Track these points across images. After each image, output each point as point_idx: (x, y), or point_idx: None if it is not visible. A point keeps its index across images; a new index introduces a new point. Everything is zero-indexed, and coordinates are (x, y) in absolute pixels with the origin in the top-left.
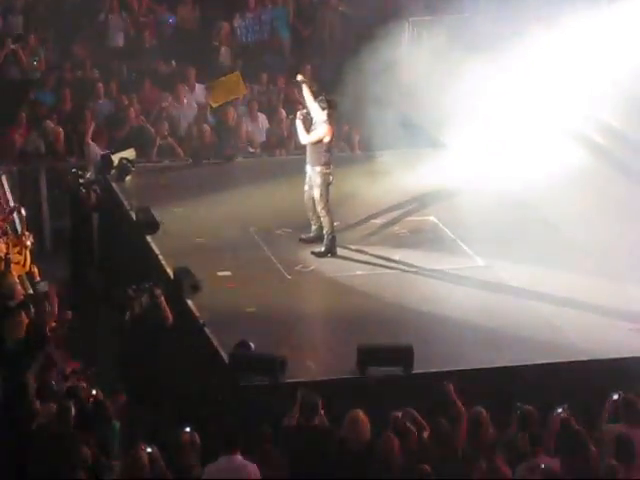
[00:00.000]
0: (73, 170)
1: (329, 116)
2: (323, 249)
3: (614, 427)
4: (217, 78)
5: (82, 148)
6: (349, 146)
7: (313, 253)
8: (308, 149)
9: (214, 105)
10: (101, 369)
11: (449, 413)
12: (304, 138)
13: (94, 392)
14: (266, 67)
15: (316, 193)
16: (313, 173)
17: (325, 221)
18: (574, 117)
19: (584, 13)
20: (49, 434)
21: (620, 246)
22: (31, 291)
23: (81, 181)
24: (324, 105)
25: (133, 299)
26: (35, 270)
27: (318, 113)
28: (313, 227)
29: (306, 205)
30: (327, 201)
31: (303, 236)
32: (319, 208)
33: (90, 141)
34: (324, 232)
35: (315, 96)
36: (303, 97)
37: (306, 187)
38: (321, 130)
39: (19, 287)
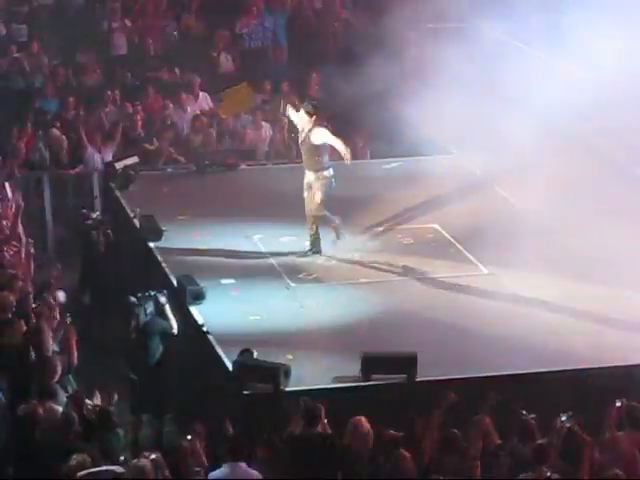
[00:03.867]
0: (83, 210)
1: (317, 119)
2: (309, 247)
3: (618, 435)
4: (226, 89)
5: (82, 156)
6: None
7: (299, 255)
8: (305, 155)
9: (224, 116)
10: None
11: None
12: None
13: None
14: (268, 75)
15: (318, 197)
16: (315, 178)
17: (314, 220)
18: (575, 122)
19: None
20: (51, 441)
21: (623, 253)
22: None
23: (89, 222)
24: (312, 111)
25: (138, 307)
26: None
27: (306, 122)
28: (309, 238)
29: (307, 213)
30: (324, 206)
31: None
32: (315, 210)
33: (90, 149)
34: (310, 231)
35: (298, 108)
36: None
37: (305, 194)
38: (327, 134)
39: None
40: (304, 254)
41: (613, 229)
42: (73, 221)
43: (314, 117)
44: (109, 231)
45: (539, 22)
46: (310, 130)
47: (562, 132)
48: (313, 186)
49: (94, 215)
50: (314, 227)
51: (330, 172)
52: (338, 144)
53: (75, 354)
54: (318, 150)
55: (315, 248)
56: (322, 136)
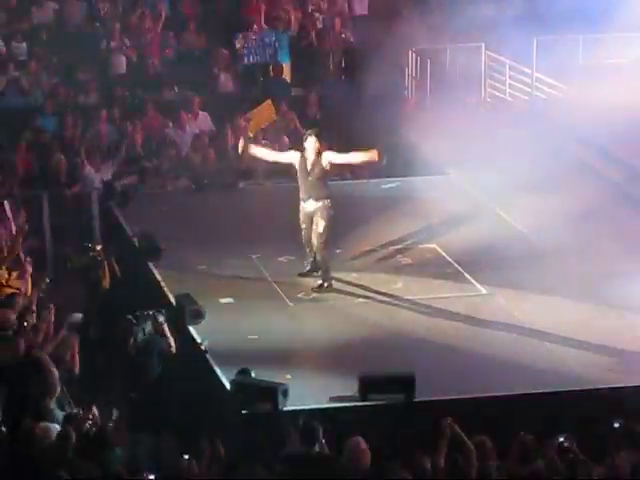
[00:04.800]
0: (85, 244)
1: (322, 145)
2: (320, 281)
3: (619, 455)
4: (252, 109)
5: (80, 175)
6: (352, 174)
7: (314, 290)
8: (313, 184)
9: (251, 134)
10: (104, 396)
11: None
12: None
13: (91, 416)
14: (269, 93)
15: (321, 226)
16: (319, 207)
17: (324, 254)
18: (580, 146)
19: None
20: (48, 459)
21: (623, 276)
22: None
23: (93, 255)
24: (320, 134)
25: (136, 326)
26: (34, 298)
27: (314, 148)
28: (310, 259)
29: (306, 244)
30: (327, 236)
31: (305, 270)
32: (319, 240)
33: (88, 168)
34: (320, 264)
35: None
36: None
37: (304, 225)
38: (336, 155)
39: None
40: (319, 287)
41: (615, 253)
42: (73, 245)
43: (321, 140)
44: (114, 263)
45: (538, 43)
46: (319, 155)
47: (563, 154)
48: (315, 215)
49: (98, 247)
50: (321, 256)
51: (330, 202)
52: (353, 156)
53: (77, 362)
54: (328, 176)
55: (329, 279)
56: (333, 158)
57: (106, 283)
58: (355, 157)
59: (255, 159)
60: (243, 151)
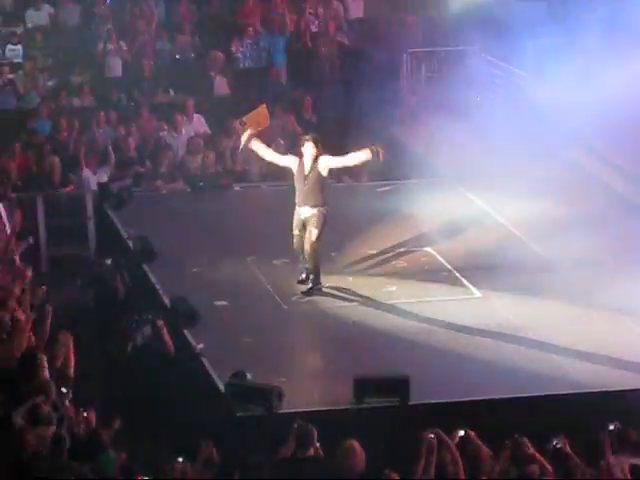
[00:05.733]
0: (93, 259)
1: (319, 151)
2: (310, 285)
3: (613, 458)
4: (247, 113)
5: (77, 177)
6: (349, 176)
7: (303, 293)
8: (310, 190)
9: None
10: (98, 398)
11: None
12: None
13: (85, 414)
14: (264, 97)
15: (314, 234)
16: (313, 214)
17: (315, 260)
18: (578, 150)
19: None
20: (42, 463)
21: (617, 280)
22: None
23: (103, 270)
24: (318, 139)
25: (135, 330)
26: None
27: (312, 153)
28: (304, 266)
29: (297, 252)
30: (320, 244)
31: (301, 278)
32: (310, 247)
33: (85, 170)
34: (311, 270)
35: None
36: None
37: (296, 231)
38: (333, 159)
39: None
40: (308, 291)
41: (614, 260)
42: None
43: (319, 146)
44: (125, 274)
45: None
46: (316, 161)
47: (564, 160)
48: (309, 223)
49: (107, 262)
50: (312, 263)
51: (327, 209)
52: (351, 158)
53: (72, 365)
54: (325, 183)
55: (318, 284)
56: (330, 162)
57: (121, 294)
58: (352, 159)
59: (251, 157)
60: (243, 146)
